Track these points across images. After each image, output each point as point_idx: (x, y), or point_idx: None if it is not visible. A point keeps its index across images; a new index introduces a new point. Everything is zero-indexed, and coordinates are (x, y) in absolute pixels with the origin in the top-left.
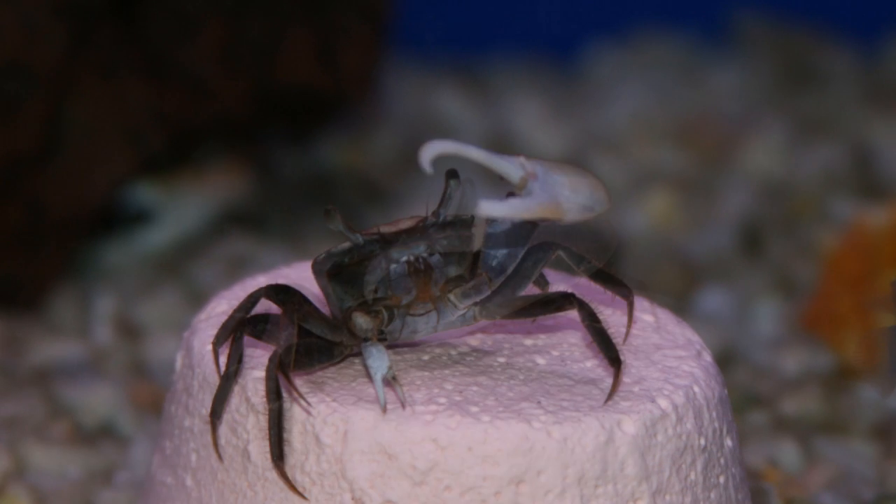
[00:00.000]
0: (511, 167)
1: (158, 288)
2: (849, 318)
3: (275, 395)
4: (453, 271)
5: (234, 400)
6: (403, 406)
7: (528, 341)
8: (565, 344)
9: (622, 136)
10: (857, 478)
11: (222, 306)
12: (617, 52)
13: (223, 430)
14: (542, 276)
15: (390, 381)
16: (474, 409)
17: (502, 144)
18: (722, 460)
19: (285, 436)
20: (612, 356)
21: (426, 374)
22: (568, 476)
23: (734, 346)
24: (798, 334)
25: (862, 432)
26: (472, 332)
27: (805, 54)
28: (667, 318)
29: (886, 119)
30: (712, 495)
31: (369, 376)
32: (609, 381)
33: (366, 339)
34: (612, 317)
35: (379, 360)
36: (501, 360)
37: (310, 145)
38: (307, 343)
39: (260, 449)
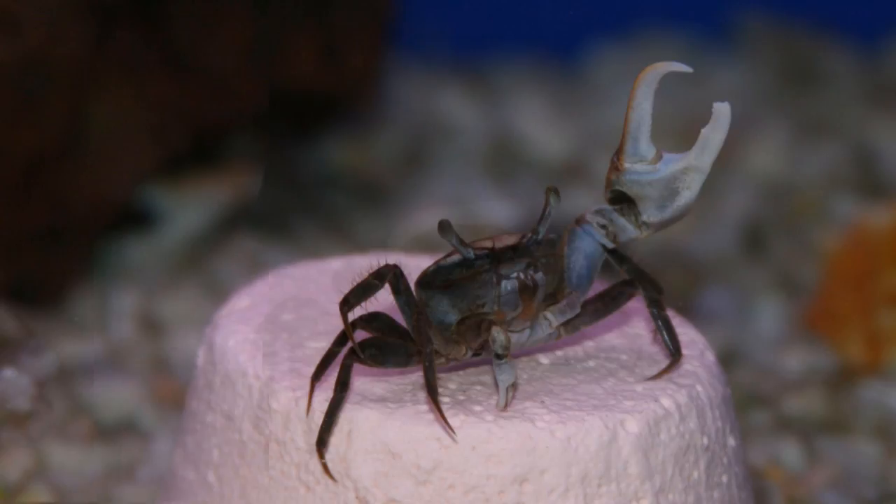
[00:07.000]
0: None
1: (179, 284)
2: (851, 318)
3: (342, 386)
4: (549, 289)
5: (256, 396)
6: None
7: None
8: (568, 344)
9: None
10: (860, 477)
11: (244, 301)
12: (619, 51)
13: (245, 425)
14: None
15: (509, 390)
16: (478, 408)
17: (505, 144)
18: (725, 459)
19: (289, 435)
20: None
21: None
22: (571, 475)
23: (737, 346)
24: (800, 334)
25: (864, 431)
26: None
27: (807, 54)
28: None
29: (888, 119)
30: (715, 494)
31: (495, 385)
32: (612, 380)
33: (499, 357)
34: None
35: (509, 375)
36: None
37: (312, 145)
38: (382, 342)
39: None
